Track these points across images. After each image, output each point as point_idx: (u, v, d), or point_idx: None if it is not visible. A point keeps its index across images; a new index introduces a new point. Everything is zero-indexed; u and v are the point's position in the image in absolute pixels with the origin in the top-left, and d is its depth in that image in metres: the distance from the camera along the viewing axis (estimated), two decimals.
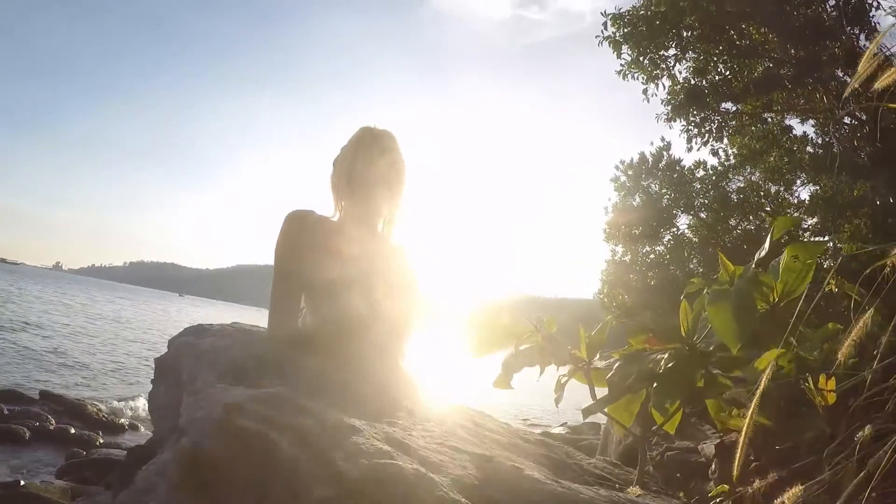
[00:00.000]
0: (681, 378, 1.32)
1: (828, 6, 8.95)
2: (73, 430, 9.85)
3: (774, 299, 1.34)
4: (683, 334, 1.39)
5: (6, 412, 11.16)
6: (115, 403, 13.34)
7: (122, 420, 10.98)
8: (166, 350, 1.83)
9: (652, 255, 13.69)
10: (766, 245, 1.38)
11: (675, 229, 13.75)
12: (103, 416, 11.17)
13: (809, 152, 12.43)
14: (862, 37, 8.85)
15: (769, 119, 11.54)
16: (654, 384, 1.35)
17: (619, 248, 14.21)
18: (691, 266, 13.28)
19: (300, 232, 1.75)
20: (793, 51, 9.13)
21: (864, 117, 9.77)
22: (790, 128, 12.02)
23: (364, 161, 1.81)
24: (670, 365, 1.34)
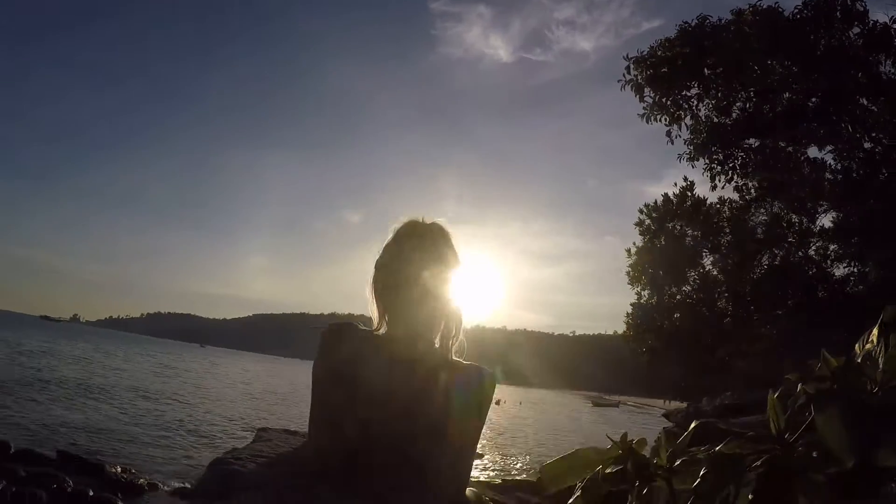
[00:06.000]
0: (776, 488, 1.10)
1: (851, 34, 8.82)
2: (91, 492, 9.64)
3: (874, 388, 1.11)
4: (775, 434, 1.17)
5: (23, 474, 11.02)
6: (135, 462, 13.13)
7: (142, 480, 10.77)
8: None
9: (678, 296, 13.37)
10: (874, 335, 1.16)
11: (701, 269, 13.48)
12: (122, 476, 10.98)
13: (829, 179, 12.21)
14: (888, 63, 8.72)
15: (791, 150, 11.35)
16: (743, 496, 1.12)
17: (645, 292, 13.92)
18: (720, 305, 12.97)
19: (338, 350, 1.56)
20: (817, 82, 8.98)
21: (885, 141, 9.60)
22: (816, 159, 11.84)
23: (408, 263, 1.56)
24: (762, 472, 1.12)
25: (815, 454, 1.10)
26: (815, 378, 1.19)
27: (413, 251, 1.57)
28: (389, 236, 1.63)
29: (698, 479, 1.14)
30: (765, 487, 1.07)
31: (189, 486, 10.48)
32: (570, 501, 1.32)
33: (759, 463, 1.10)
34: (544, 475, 1.27)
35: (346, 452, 1.54)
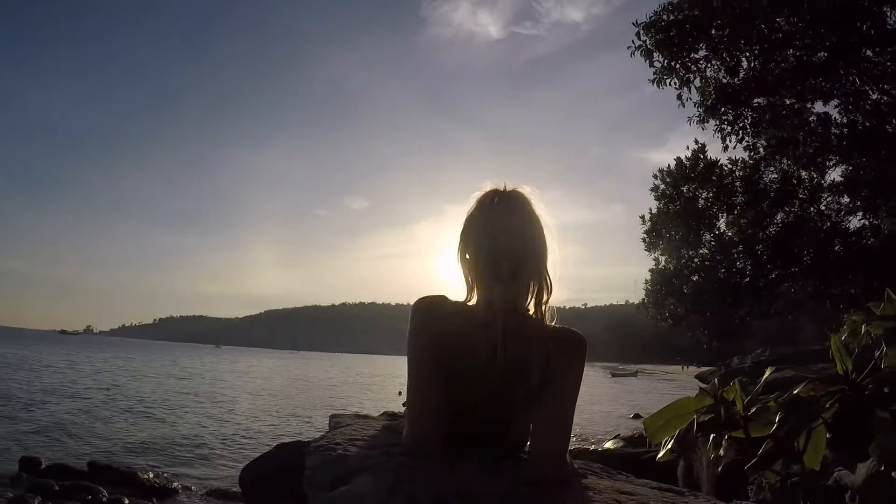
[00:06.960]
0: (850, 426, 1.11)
1: None
2: (126, 501, 9.74)
3: None
4: (842, 375, 1.19)
5: (57, 488, 11.11)
6: (167, 466, 13.24)
7: (175, 483, 10.86)
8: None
9: (696, 259, 13.34)
10: None
11: (716, 231, 13.42)
12: (155, 482, 11.07)
13: (835, 133, 12.05)
14: (894, 14, 8.59)
15: (798, 107, 11.24)
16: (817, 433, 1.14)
17: (663, 258, 13.85)
18: (738, 265, 12.96)
19: (430, 325, 1.50)
20: (823, 36, 8.89)
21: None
22: (821, 114, 11.70)
23: (494, 231, 1.52)
24: (834, 410, 1.13)
25: (886, 390, 1.10)
26: (881, 317, 1.21)
27: (498, 218, 1.53)
28: (472, 205, 1.58)
29: (776, 424, 1.14)
30: (839, 426, 1.07)
31: (222, 486, 10.54)
32: (659, 455, 1.33)
33: (829, 404, 1.10)
34: (648, 427, 1.29)
35: (444, 427, 1.50)
